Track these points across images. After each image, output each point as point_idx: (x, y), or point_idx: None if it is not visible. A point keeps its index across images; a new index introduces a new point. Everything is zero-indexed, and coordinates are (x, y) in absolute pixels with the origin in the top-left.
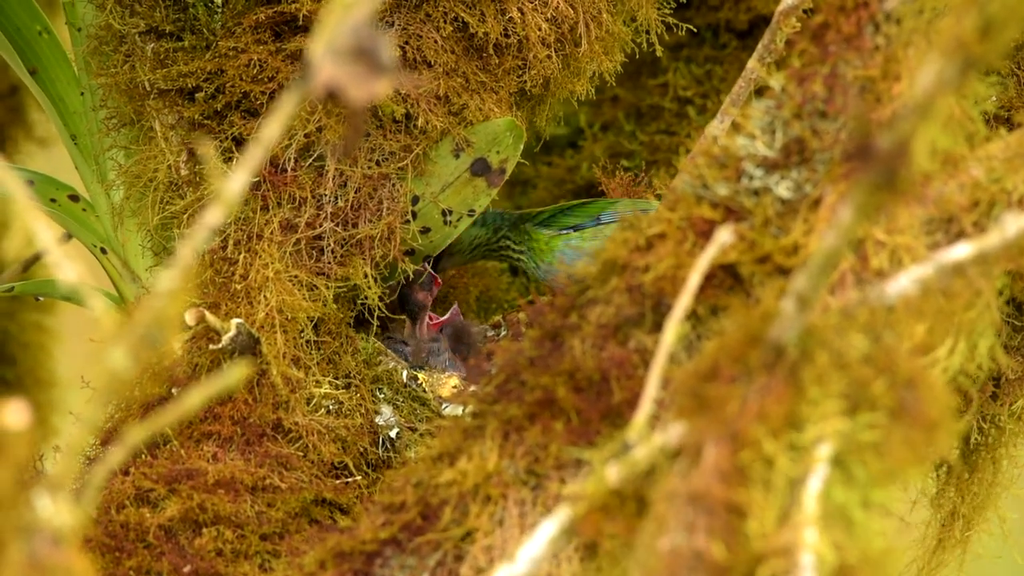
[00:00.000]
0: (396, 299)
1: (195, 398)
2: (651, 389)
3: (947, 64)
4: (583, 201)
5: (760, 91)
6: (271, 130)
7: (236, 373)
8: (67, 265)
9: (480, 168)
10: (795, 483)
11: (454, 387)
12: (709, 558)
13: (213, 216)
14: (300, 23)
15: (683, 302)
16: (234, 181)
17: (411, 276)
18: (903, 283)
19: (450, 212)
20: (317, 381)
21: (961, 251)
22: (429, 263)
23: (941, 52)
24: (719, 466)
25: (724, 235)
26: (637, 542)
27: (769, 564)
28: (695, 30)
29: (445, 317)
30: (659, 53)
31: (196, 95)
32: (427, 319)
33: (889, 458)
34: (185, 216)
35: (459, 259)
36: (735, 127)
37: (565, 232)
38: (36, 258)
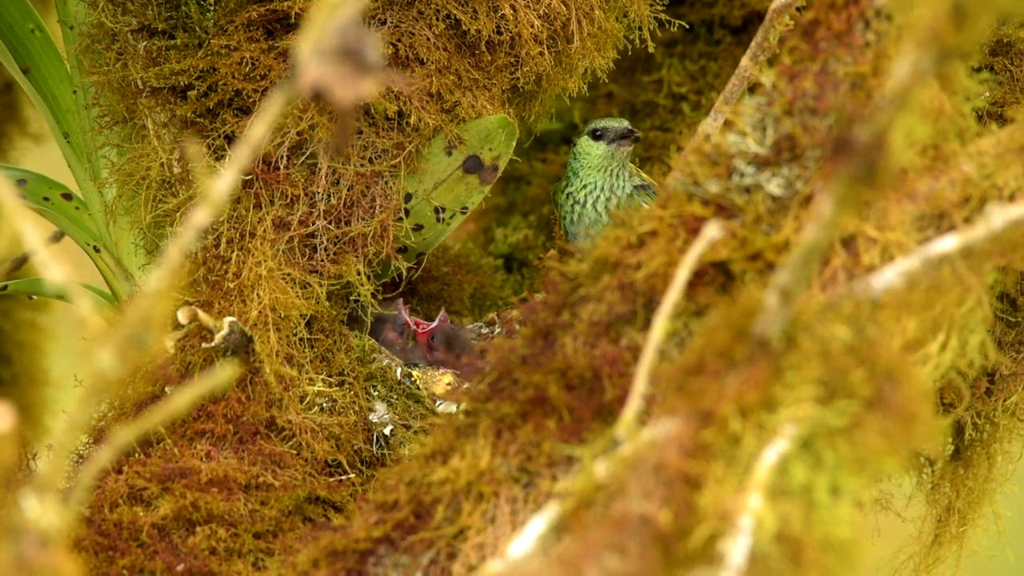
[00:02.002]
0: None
1: (184, 397)
2: (639, 385)
3: (922, 55)
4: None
5: (753, 89)
6: (258, 129)
7: (226, 372)
8: (54, 264)
9: (473, 165)
10: (755, 458)
11: (448, 384)
12: (654, 524)
13: (201, 216)
14: (292, 21)
15: (672, 298)
16: (222, 180)
17: (384, 314)
18: (889, 276)
19: (443, 209)
20: (310, 379)
21: (947, 244)
22: (404, 307)
23: (916, 43)
24: (680, 439)
25: (712, 231)
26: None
27: (708, 525)
28: (688, 26)
29: (433, 325)
30: (651, 49)
31: (188, 93)
32: (415, 330)
33: (863, 447)
34: (178, 214)
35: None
36: (727, 125)
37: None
38: (27, 256)
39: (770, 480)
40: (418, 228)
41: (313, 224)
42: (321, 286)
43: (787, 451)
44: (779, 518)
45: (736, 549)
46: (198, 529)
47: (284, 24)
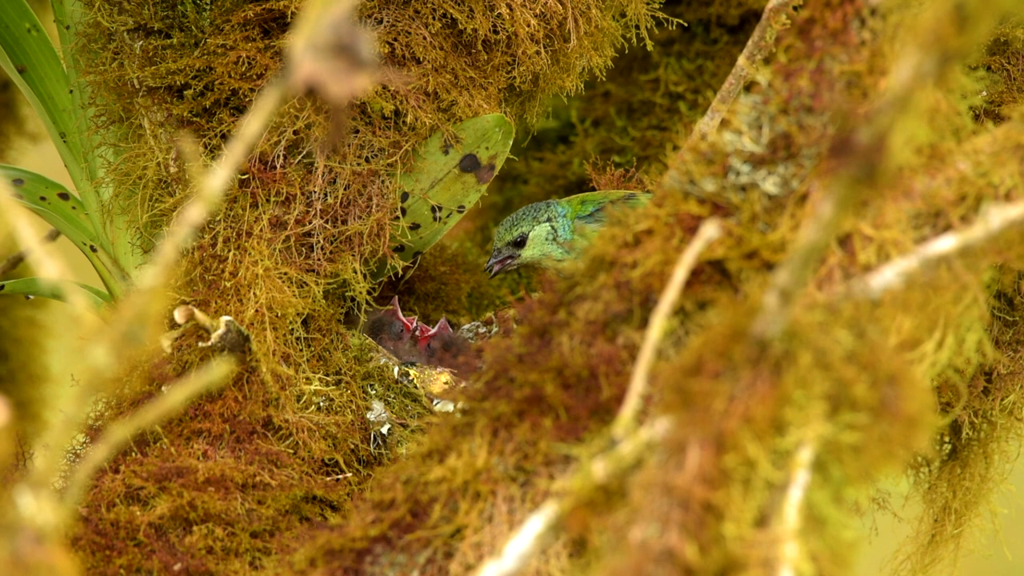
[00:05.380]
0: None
1: (180, 395)
2: (637, 385)
3: (925, 58)
4: (626, 193)
5: (749, 87)
6: (253, 126)
7: (219, 370)
8: (49, 263)
9: (469, 164)
10: (775, 488)
11: (445, 383)
12: (680, 557)
13: (195, 213)
14: (288, 20)
15: (669, 297)
16: (216, 177)
17: (381, 318)
18: (887, 276)
19: (439, 208)
20: (307, 378)
21: (945, 244)
22: (396, 305)
23: (918, 46)
24: (703, 468)
25: (710, 230)
26: (609, 528)
27: (749, 575)
28: (686, 25)
29: (432, 331)
30: (649, 48)
31: (185, 92)
32: (416, 334)
33: (866, 456)
34: (174, 213)
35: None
36: (723, 123)
37: None
38: (23, 255)
39: (799, 521)
40: (415, 227)
41: (310, 223)
42: (318, 285)
43: (808, 482)
44: (811, 558)
45: None
46: (195, 528)
47: (280, 23)
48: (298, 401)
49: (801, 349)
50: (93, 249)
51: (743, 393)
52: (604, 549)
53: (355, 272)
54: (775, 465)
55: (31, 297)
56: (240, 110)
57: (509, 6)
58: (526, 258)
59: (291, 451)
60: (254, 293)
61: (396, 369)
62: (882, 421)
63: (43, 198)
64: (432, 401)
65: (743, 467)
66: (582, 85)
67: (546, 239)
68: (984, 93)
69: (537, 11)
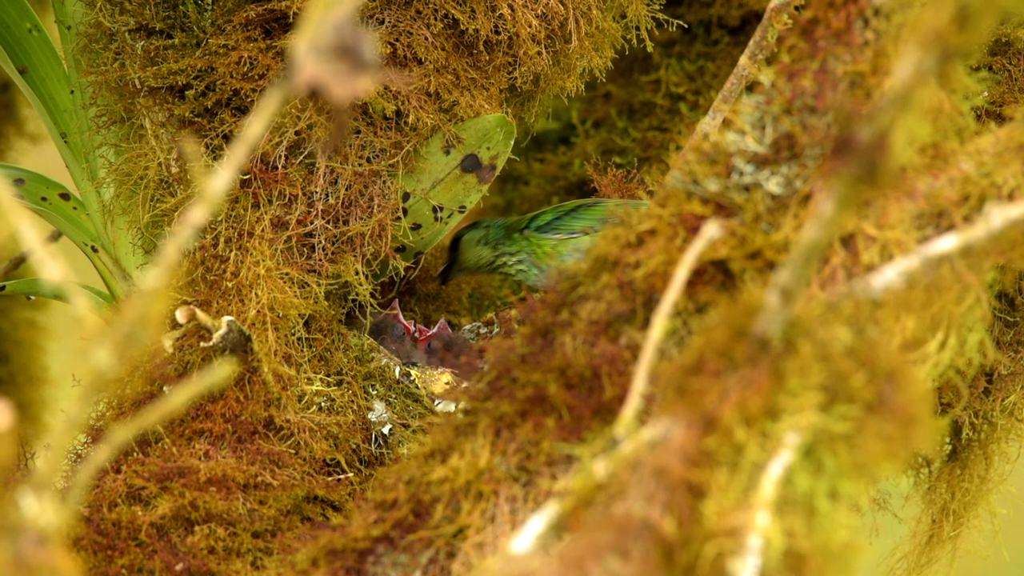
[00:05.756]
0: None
1: (182, 396)
2: (639, 384)
3: (925, 56)
4: (585, 202)
5: (751, 87)
6: (255, 128)
7: (223, 370)
8: (51, 264)
9: (470, 164)
10: (759, 468)
11: (446, 384)
12: (658, 531)
13: (197, 215)
14: (290, 20)
15: (670, 297)
16: (219, 179)
17: (383, 321)
18: (888, 276)
19: (441, 208)
20: (309, 378)
21: (946, 243)
22: (398, 308)
23: (919, 44)
24: (684, 447)
25: (712, 229)
26: (596, 503)
27: (717, 542)
28: (686, 27)
29: (432, 332)
30: (650, 49)
31: (186, 92)
32: (416, 336)
33: (862, 451)
34: (175, 214)
35: (464, 276)
36: (726, 123)
37: (576, 236)
38: (25, 256)
39: (776, 495)
40: (416, 227)
41: (311, 223)
42: (319, 285)
43: (791, 462)
44: (785, 533)
45: (746, 570)
46: (197, 528)
47: (282, 24)
48: (300, 401)
49: (802, 338)
50: (94, 249)
51: (738, 384)
52: (587, 523)
53: (357, 273)
54: (762, 448)
55: (32, 298)
56: (242, 110)
57: (511, 7)
58: (464, 263)
59: (293, 451)
60: (256, 293)
61: (397, 369)
62: (880, 417)
63: (44, 198)
64: (433, 401)
65: (729, 449)
66: (583, 86)
67: (478, 243)
68: (986, 94)
69: (538, 12)
